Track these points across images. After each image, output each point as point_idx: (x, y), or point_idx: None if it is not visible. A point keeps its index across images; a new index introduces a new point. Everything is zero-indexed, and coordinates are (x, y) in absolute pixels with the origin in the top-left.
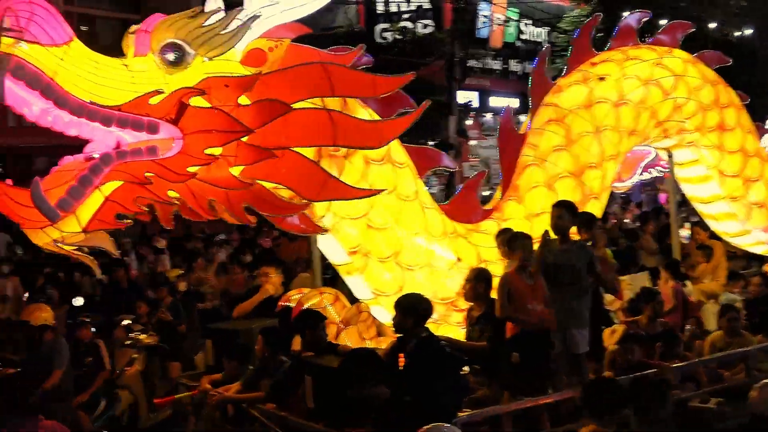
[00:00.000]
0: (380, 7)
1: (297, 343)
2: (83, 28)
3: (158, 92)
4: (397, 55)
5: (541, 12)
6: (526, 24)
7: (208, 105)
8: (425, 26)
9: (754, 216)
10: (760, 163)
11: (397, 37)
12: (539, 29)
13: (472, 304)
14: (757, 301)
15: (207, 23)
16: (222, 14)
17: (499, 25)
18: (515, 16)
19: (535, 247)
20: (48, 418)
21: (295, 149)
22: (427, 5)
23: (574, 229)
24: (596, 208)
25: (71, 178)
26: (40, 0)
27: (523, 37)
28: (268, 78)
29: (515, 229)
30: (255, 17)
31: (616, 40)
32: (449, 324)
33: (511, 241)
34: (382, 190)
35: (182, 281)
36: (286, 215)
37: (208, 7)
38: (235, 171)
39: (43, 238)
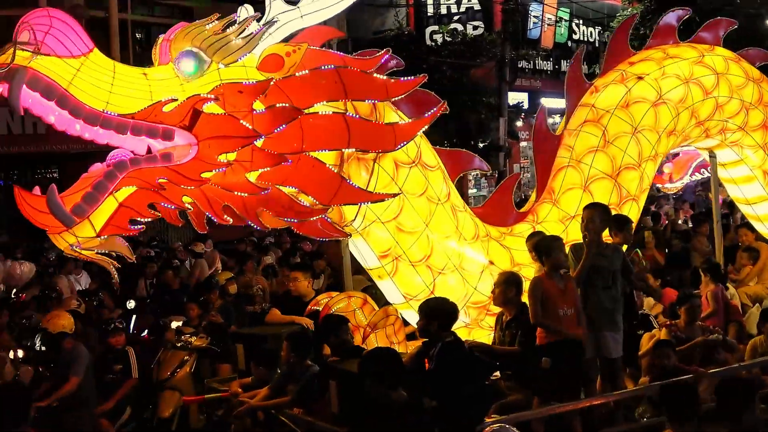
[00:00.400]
0: (430, 10)
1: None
2: (138, 35)
3: (172, 100)
4: (447, 57)
5: (592, 11)
6: (577, 24)
7: (223, 111)
8: (475, 28)
9: None
10: None
11: (447, 39)
12: (591, 29)
13: (501, 308)
14: None
15: (223, 30)
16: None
17: (550, 25)
18: (566, 16)
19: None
20: (63, 426)
21: (314, 153)
22: (477, 7)
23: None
24: (634, 210)
25: (88, 184)
26: (58, 13)
27: (574, 37)
28: (282, 83)
29: (550, 232)
30: (271, 23)
31: (655, 38)
32: (482, 328)
33: (541, 243)
34: (397, 194)
35: (232, 284)
36: (303, 220)
37: (240, 16)
38: (253, 176)
39: (62, 242)
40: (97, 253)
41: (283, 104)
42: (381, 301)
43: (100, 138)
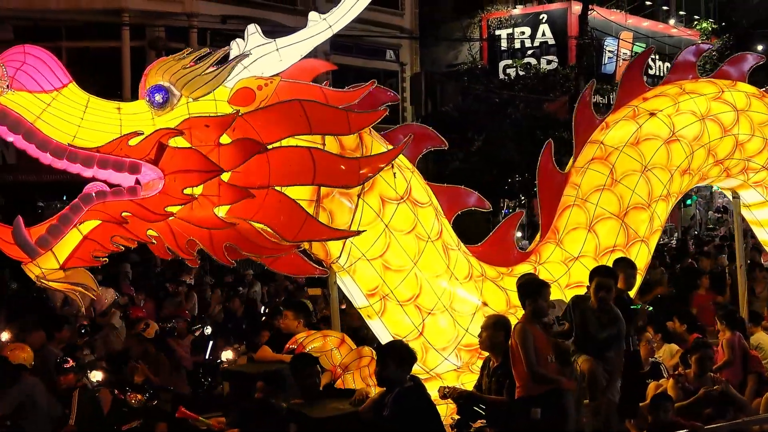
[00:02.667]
0: (504, 44)
1: None
2: None
3: (137, 133)
4: (521, 91)
5: (669, 47)
6: (653, 59)
7: (189, 145)
8: (549, 62)
9: None
10: None
11: (521, 73)
12: (668, 63)
13: (488, 353)
14: None
15: (194, 64)
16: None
17: (625, 60)
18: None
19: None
20: None
21: (284, 188)
22: (551, 41)
23: None
24: (643, 252)
25: (56, 217)
26: (34, 50)
27: (650, 72)
28: (250, 117)
29: (553, 273)
30: (243, 56)
31: (673, 73)
32: (472, 372)
33: (527, 286)
34: (362, 231)
35: None
36: (271, 256)
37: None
38: (222, 211)
39: (32, 273)
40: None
41: (247, 138)
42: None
43: (84, 171)
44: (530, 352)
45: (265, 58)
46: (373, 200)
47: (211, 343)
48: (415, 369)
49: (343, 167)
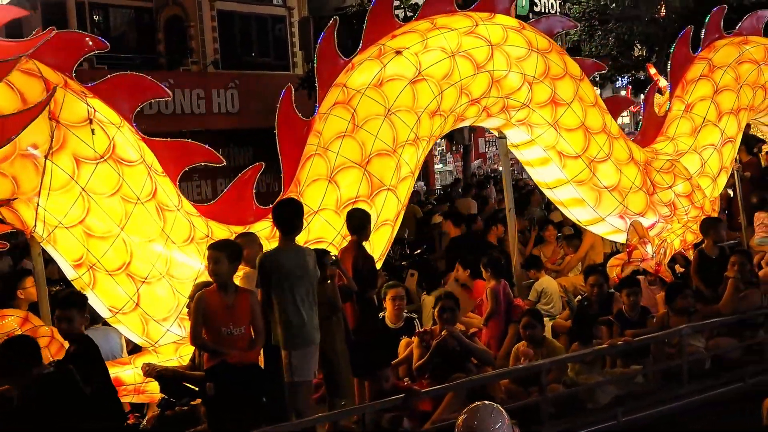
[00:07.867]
0: None
1: None
2: (96, 17)
3: None
4: None
5: None
6: None
7: None
8: None
9: (604, 201)
10: (608, 141)
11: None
12: (553, 0)
13: None
14: (581, 303)
15: None
16: None
17: None
18: None
19: None
20: None
21: None
22: None
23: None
24: (390, 202)
25: None
26: None
27: (536, 9)
28: None
29: None
30: None
31: (427, 7)
32: None
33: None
34: None
35: None
36: None
37: None
38: None
39: None
40: None
41: None
42: None
43: None
44: (196, 321)
45: None
46: (64, 161)
47: None
48: (142, 342)
49: None
